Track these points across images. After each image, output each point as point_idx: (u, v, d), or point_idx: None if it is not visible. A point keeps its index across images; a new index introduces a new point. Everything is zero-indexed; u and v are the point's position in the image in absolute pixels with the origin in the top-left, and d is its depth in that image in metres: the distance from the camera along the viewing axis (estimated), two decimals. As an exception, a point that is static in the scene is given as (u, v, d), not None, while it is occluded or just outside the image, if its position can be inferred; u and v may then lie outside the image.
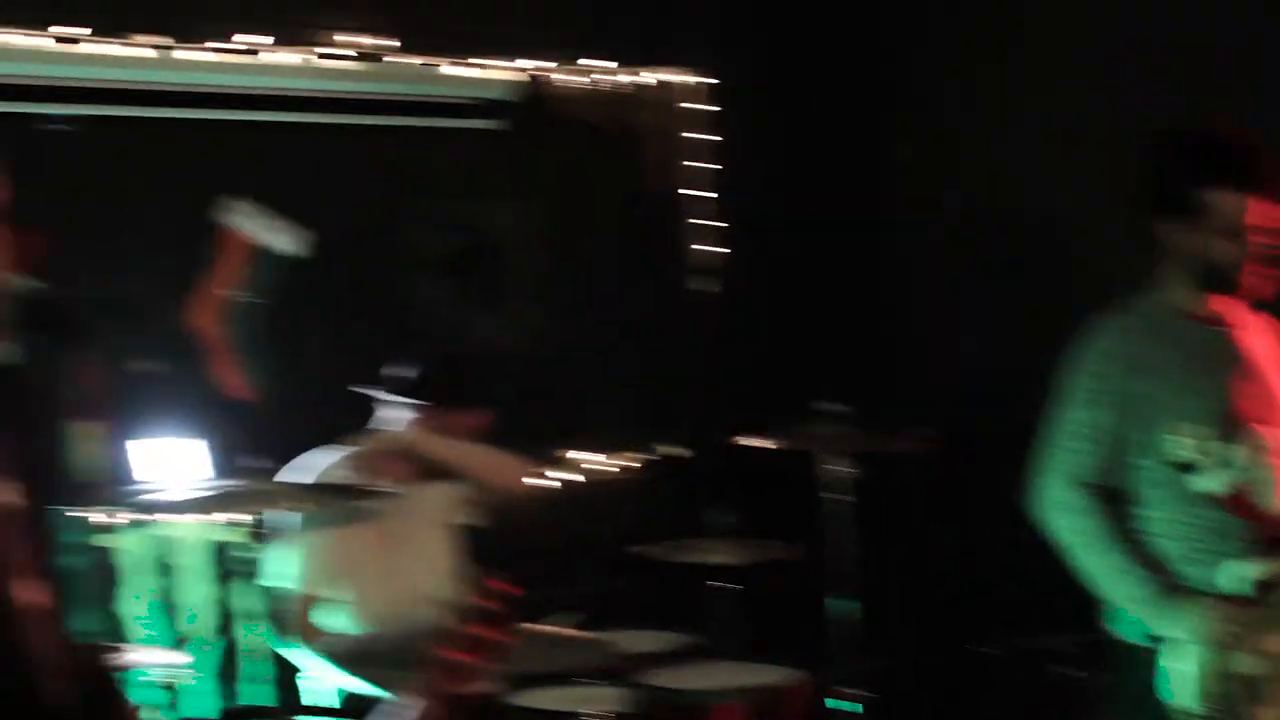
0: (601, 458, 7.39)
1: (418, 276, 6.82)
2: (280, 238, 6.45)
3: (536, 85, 7.12)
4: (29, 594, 2.44)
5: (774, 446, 6.20)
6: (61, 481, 2.65)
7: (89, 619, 5.91)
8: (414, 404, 5.78)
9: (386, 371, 5.82)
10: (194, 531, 5.70)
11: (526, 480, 5.89)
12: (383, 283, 6.79)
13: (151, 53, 5.99)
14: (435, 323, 6.81)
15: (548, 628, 5.26)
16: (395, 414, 5.82)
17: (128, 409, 5.77)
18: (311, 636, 5.55)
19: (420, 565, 5.83)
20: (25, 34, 5.70)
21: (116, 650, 5.06)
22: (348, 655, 5.28)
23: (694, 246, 7.69)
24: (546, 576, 5.60)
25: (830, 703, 5.43)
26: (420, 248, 6.83)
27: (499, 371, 6.02)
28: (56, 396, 2.63)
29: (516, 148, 7.13)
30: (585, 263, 7.37)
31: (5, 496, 2.46)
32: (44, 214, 5.81)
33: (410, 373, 5.83)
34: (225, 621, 5.92)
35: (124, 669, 4.83)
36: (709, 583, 6.28)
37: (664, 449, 7.62)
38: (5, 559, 2.43)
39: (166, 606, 5.97)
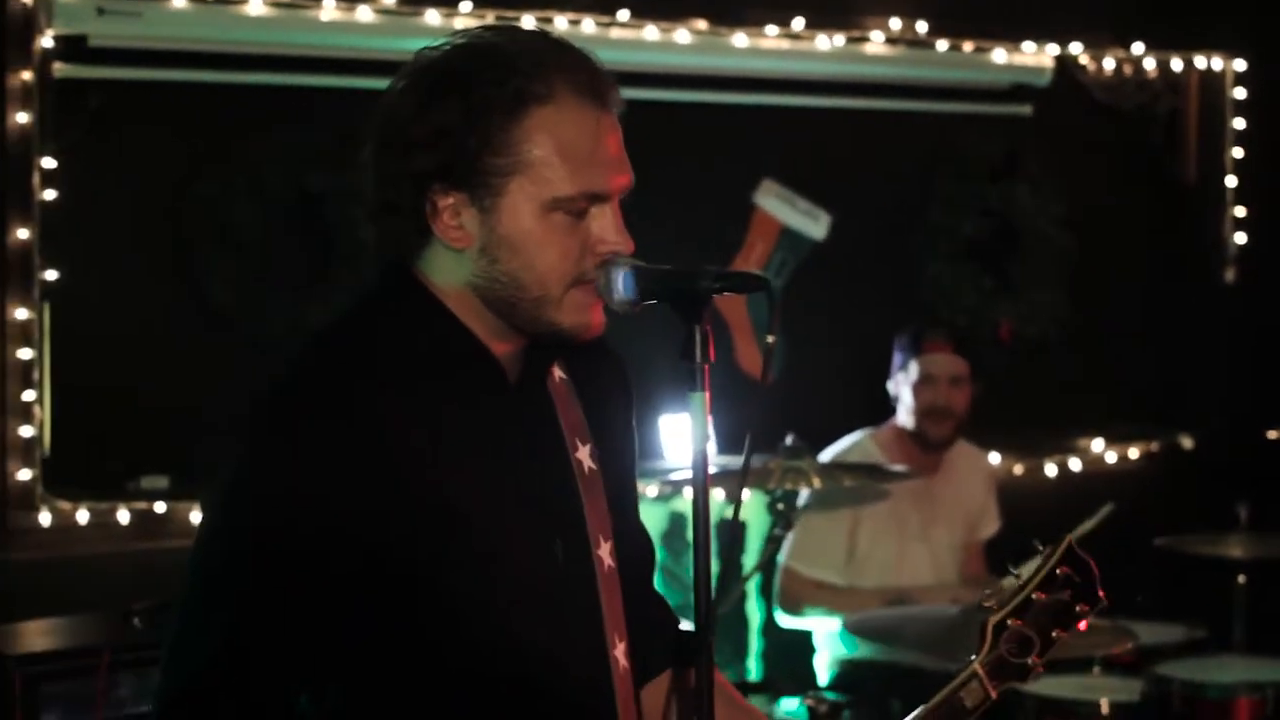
0: (1121, 447, 7.31)
1: (943, 261, 6.84)
2: (807, 220, 6.57)
3: (1068, 69, 7.07)
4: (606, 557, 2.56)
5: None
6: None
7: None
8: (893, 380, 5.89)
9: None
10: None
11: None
12: (907, 267, 6.84)
13: (688, 37, 6.16)
14: (958, 307, 6.84)
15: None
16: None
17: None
18: (817, 611, 5.73)
19: (929, 549, 5.91)
20: (570, 18, 5.93)
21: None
22: (858, 631, 5.40)
23: (1223, 234, 7.53)
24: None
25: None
26: (947, 232, 6.85)
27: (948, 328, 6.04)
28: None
29: (1047, 133, 7.09)
30: (1113, 250, 7.28)
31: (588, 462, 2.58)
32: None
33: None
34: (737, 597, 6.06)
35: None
36: (1230, 576, 6.14)
37: (1185, 439, 7.49)
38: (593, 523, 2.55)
39: (674, 579, 6.17)
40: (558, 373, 2.55)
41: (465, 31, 2.42)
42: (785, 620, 5.86)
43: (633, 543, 2.66)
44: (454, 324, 2.41)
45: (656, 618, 2.74)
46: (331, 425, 2.30)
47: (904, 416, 5.87)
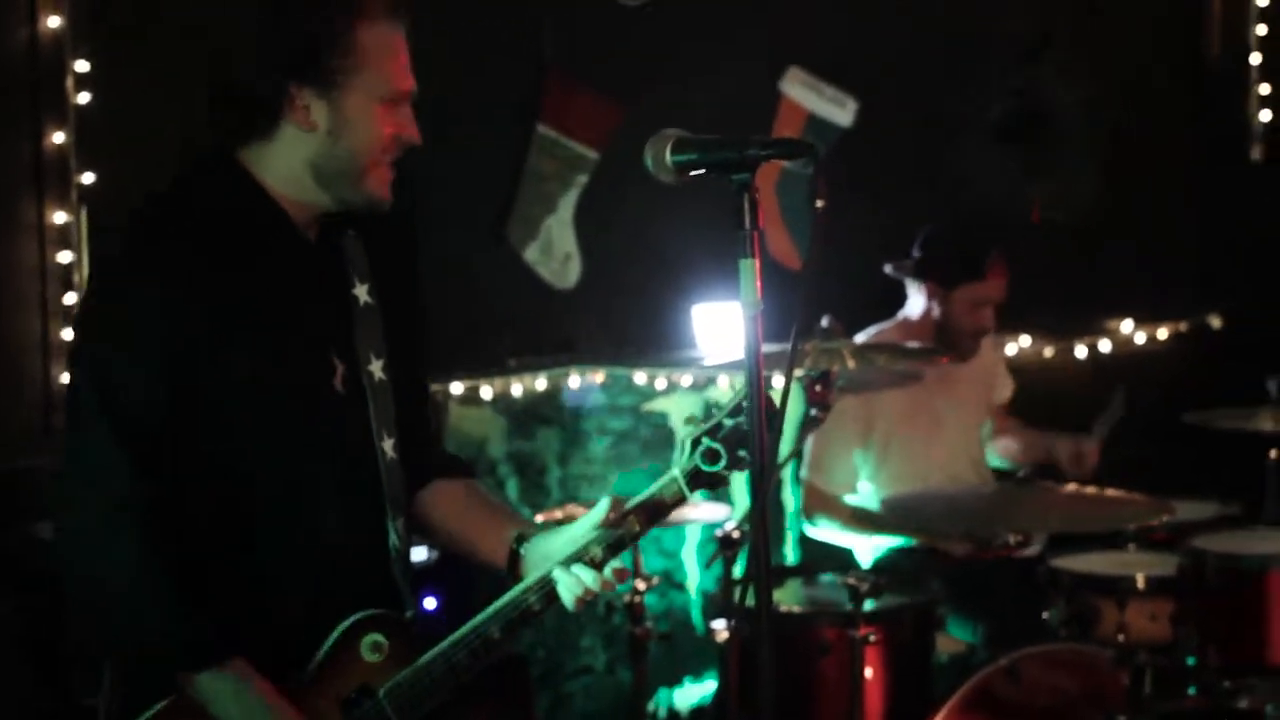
0: (1150, 328, 7.35)
1: (972, 144, 6.82)
2: (834, 108, 6.56)
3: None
4: None
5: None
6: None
7: (637, 478, 6.19)
8: (920, 283, 5.89)
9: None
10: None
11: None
12: (936, 150, 6.83)
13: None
14: (988, 192, 6.81)
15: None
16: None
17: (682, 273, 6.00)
18: (831, 524, 5.83)
19: (958, 432, 5.95)
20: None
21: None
22: (893, 510, 5.45)
23: (1248, 112, 7.52)
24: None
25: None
26: (976, 114, 6.84)
27: (999, 240, 5.98)
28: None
29: (1075, 10, 7.06)
30: (1141, 130, 7.28)
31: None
32: (622, 86, 6.10)
33: (915, 252, 5.91)
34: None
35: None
36: (1261, 451, 6.18)
37: (1214, 319, 7.52)
38: None
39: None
40: (350, 232, 3.23)
41: None
42: (807, 529, 5.92)
43: (410, 367, 3.34)
44: (262, 194, 3.13)
45: (427, 436, 3.44)
46: (147, 281, 3.03)
47: (926, 323, 5.87)
